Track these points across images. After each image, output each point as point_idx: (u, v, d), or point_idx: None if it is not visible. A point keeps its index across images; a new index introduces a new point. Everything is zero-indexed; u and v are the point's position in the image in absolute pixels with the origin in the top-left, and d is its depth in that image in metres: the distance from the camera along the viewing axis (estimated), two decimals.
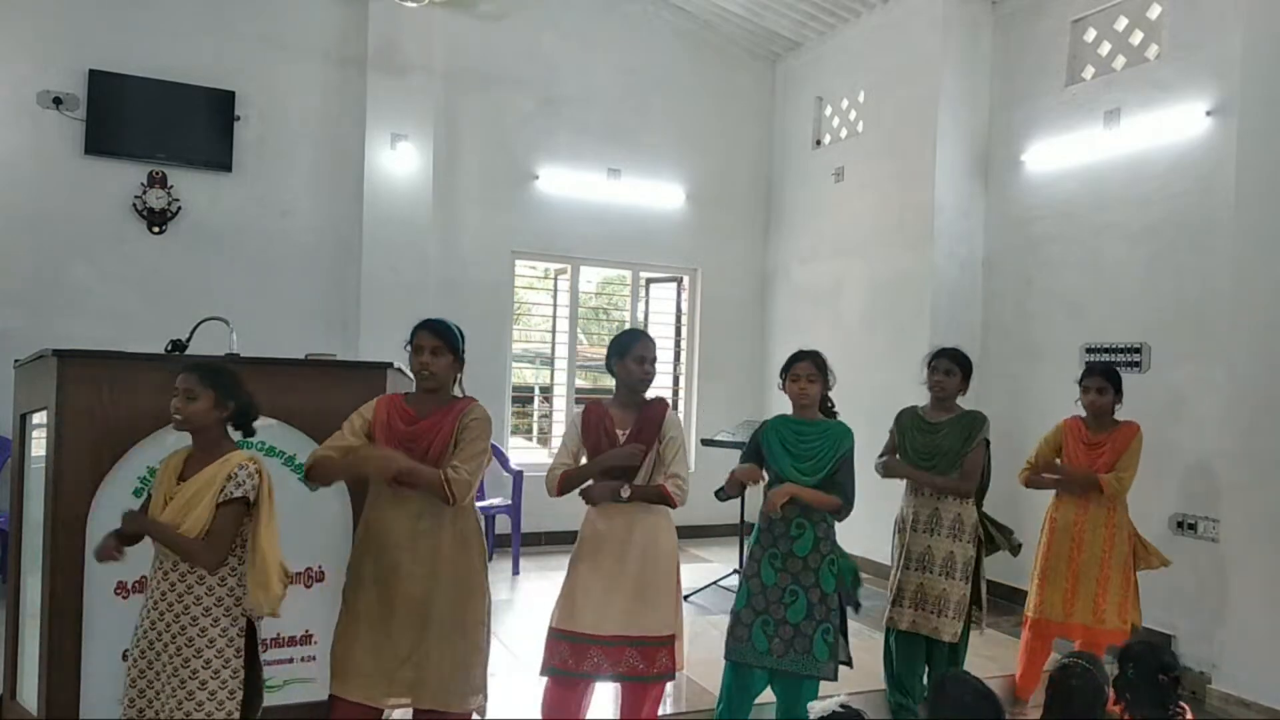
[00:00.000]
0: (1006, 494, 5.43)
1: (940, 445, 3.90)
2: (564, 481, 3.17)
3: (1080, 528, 4.05)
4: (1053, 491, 4.21)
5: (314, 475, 2.87)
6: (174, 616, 2.51)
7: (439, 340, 2.89)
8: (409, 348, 2.92)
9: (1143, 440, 4.06)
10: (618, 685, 3.28)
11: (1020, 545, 4.09)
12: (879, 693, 4.14)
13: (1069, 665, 2.62)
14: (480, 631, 2.96)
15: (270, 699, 3.19)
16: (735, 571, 5.87)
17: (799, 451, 3.39)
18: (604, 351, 3.37)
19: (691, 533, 7.28)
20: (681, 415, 8.00)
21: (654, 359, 3.27)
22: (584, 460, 3.22)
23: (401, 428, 2.85)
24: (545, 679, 3.20)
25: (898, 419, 4.08)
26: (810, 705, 2.43)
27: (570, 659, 3.09)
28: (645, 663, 3.13)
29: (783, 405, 3.64)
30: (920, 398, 4.12)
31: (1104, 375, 4.09)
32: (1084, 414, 4.16)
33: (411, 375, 2.99)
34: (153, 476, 2.99)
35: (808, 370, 3.39)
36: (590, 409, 3.28)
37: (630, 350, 3.21)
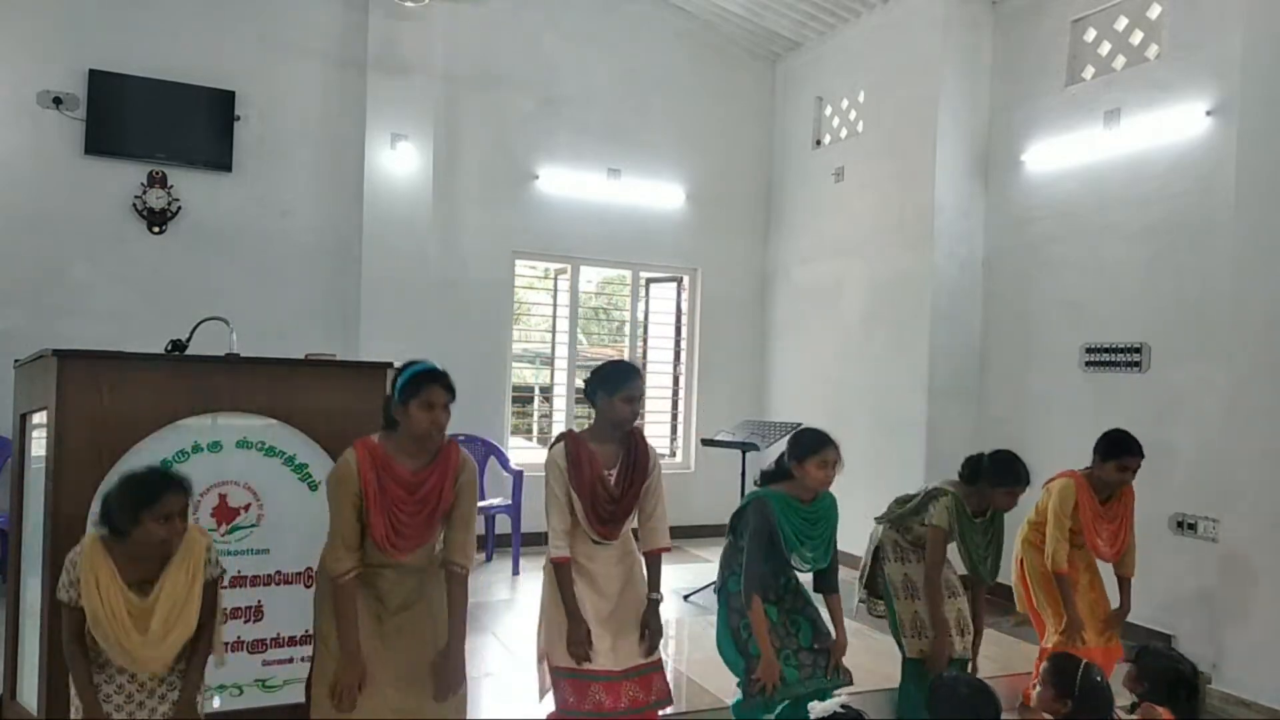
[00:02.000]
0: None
1: (987, 539, 3.80)
2: (565, 569, 3.00)
3: (1094, 567, 4.04)
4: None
5: (337, 578, 2.65)
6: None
7: (451, 396, 2.71)
8: (412, 401, 2.64)
9: None
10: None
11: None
12: (879, 693, 4.14)
13: (1090, 664, 2.62)
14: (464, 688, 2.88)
15: (270, 699, 3.21)
16: None
17: (810, 537, 3.27)
18: (604, 352, 3.31)
19: (691, 533, 7.28)
20: (681, 415, 8.01)
21: (643, 396, 3.11)
22: (576, 501, 2.99)
23: (399, 492, 2.65)
24: (549, 710, 3.13)
25: (956, 514, 3.67)
26: (811, 705, 2.44)
27: (572, 697, 3.00)
28: (644, 692, 3.10)
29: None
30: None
31: (1141, 455, 3.80)
32: (1086, 473, 3.87)
33: (411, 430, 2.69)
34: None
35: (837, 457, 3.18)
36: (574, 445, 3.02)
37: (621, 388, 3.01)
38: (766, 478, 3.39)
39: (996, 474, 3.66)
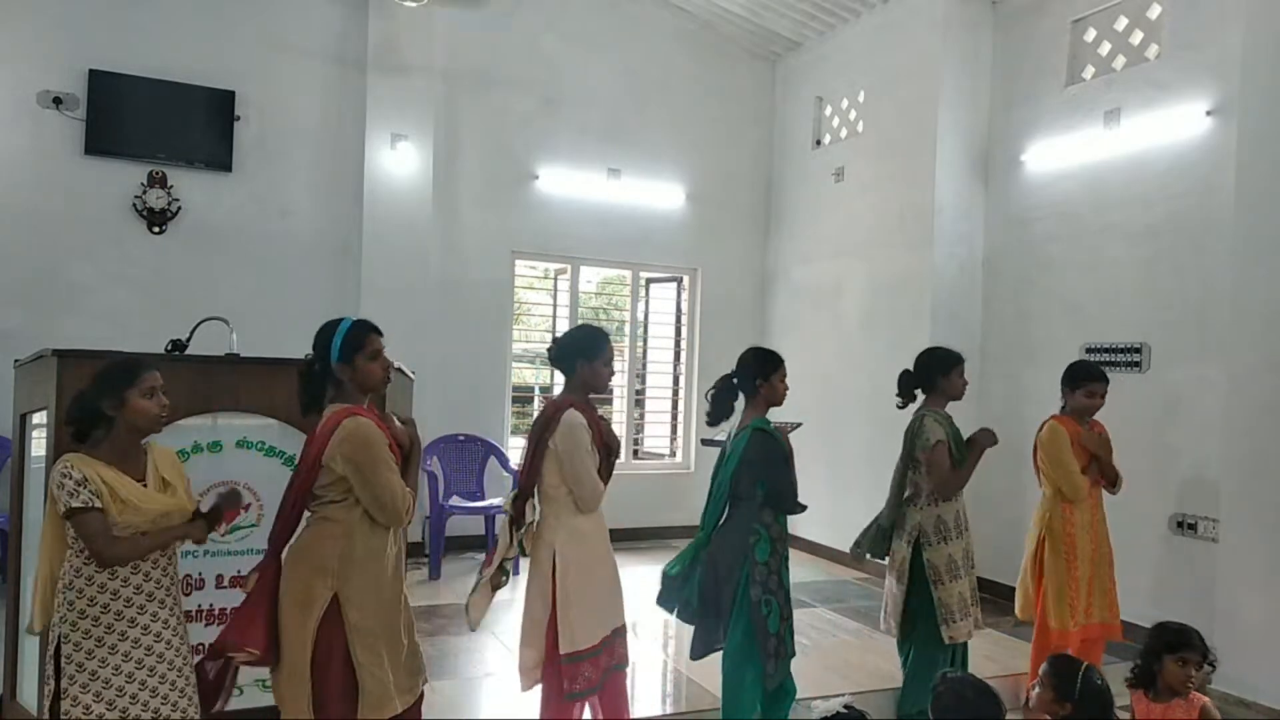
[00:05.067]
0: (1008, 493, 5.44)
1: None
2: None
3: (1095, 526, 4.01)
4: (1040, 494, 4.07)
5: None
6: (170, 612, 2.56)
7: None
8: (356, 353, 2.62)
9: None
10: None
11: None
12: (880, 693, 4.14)
13: (1090, 666, 2.62)
14: None
15: (271, 699, 3.20)
16: None
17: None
18: None
19: (691, 533, 7.26)
20: (681, 415, 8.01)
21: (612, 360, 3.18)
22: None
23: (393, 445, 2.69)
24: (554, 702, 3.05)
25: (945, 424, 3.82)
26: (814, 704, 2.44)
27: (592, 673, 3.00)
28: (622, 648, 3.15)
29: (781, 407, 3.64)
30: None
31: (1107, 380, 4.03)
32: (1064, 413, 4.04)
33: (365, 382, 2.68)
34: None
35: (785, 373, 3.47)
36: (583, 410, 3.05)
37: (602, 353, 3.07)
38: (720, 407, 3.52)
39: (1080, 376, 3.98)
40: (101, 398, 2.49)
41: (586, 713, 3.15)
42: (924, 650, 3.74)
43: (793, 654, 3.40)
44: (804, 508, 3.39)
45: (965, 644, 3.87)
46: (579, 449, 2.96)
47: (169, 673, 2.51)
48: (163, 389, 2.56)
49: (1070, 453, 3.92)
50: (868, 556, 3.96)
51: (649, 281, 8.02)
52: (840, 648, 4.94)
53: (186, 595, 3.07)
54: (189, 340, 3.42)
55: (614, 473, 3.17)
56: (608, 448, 3.10)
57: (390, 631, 2.66)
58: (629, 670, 3.24)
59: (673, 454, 7.98)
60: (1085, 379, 4.00)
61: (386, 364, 2.69)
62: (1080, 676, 2.57)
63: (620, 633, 3.14)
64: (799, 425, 3.61)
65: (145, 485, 2.51)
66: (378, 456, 2.56)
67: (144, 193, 6.05)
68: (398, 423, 2.75)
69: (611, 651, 3.10)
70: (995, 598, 5.73)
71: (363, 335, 2.65)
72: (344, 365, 2.63)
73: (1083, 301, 5.51)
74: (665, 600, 3.48)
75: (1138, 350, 5.14)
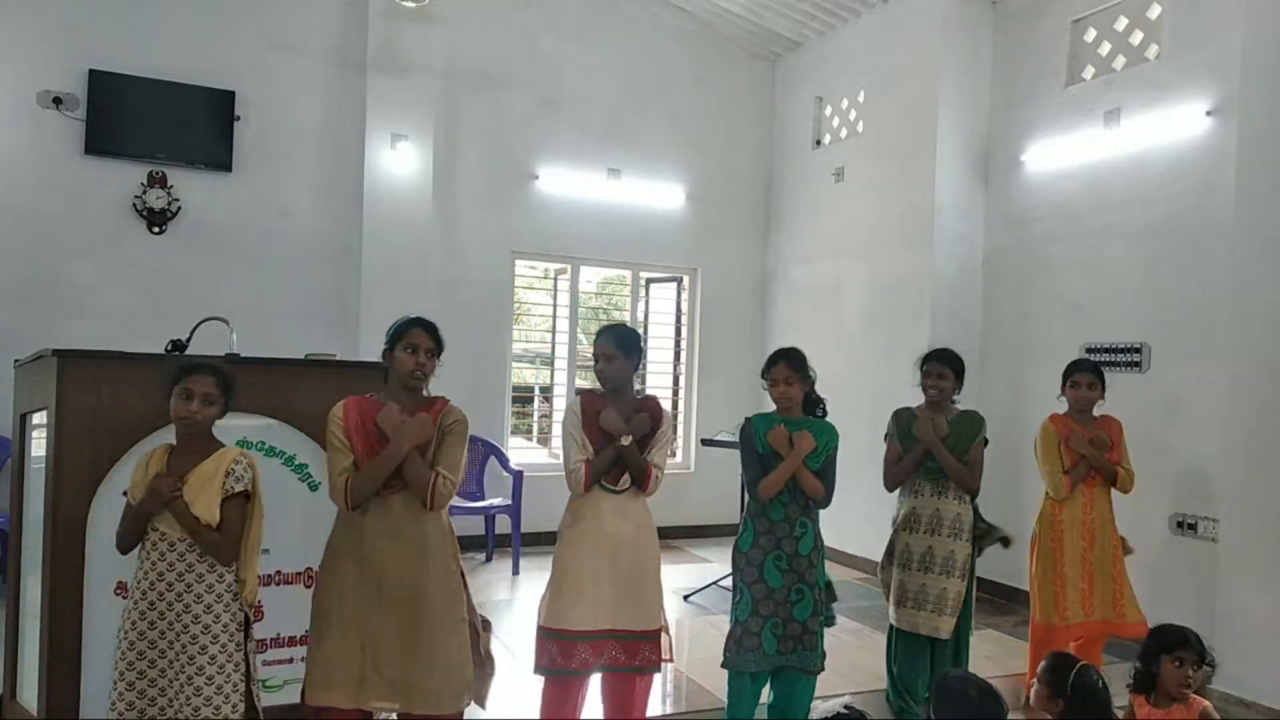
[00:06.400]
0: (1007, 493, 5.44)
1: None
2: (590, 473, 3.12)
3: (1089, 524, 4.04)
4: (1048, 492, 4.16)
5: (357, 498, 2.71)
6: (175, 615, 2.51)
7: (434, 342, 2.84)
8: (397, 345, 2.81)
9: None
10: (600, 678, 3.25)
11: (1011, 540, 4.02)
12: (881, 693, 4.14)
13: (1087, 665, 2.62)
14: (465, 630, 2.87)
15: (271, 699, 3.20)
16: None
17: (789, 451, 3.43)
18: None
19: (691, 533, 7.28)
20: (681, 415, 8.01)
21: (608, 354, 3.19)
22: (588, 446, 3.17)
23: (377, 430, 2.75)
24: (541, 678, 3.20)
25: (895, 421, 4.01)
26: (814, 705, 2.44)
27: (559, 657, 3.10)
28: (627, 655, 3.13)
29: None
30: (917, 398, 4.11)
31: (1094, 371, 4.11)
32: (1064, 411, 4.14)
33: (397, 371, 2.84)
34: None
35: (784, 373, 3.40)
36: (586, 400, 3.22)
37: (594, 353, 3.25)
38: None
39: (1067, 370, 4.14)
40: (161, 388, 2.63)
41: (589, 712, 3.18)
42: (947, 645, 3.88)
43: (773, 651, 3.32)
44: (761, 501, 3.40)
45: (951, 641, 3.92)
46: (565, 432, 3.21)
47: (121, 661, 2.53)
48: (205, 396, 2.59)
49: (1053, 451, 4.06)
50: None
51: (649, 281, 8.02)
52: (840, 648, 4.93)
53: None
54: (189, 340, 3.42)
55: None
56: (601, 433, 3.14)
57: (346, 617, 2.72)
58: (645, 676, 3.23)
59: (673, 454, 7.97)
60: (1069, 372, 4.14)
61: (419, 360, 2.80)
62: (1074, 674, 2.57)
63: (618, 635, 3.12)
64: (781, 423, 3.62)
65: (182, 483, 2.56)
66: (328, 436, 2.78)
67: (144, 193, 6.04)
68: (397, 415, 2.77)
69: (599, 649, 3.10)
70: (993, 597, 5.74)
71: (405, 329, 2.83)
72: (387, 353, 2.85)
73: (1083, 301, 5.51)
74: None
75: (1138, 350, 5.15)
